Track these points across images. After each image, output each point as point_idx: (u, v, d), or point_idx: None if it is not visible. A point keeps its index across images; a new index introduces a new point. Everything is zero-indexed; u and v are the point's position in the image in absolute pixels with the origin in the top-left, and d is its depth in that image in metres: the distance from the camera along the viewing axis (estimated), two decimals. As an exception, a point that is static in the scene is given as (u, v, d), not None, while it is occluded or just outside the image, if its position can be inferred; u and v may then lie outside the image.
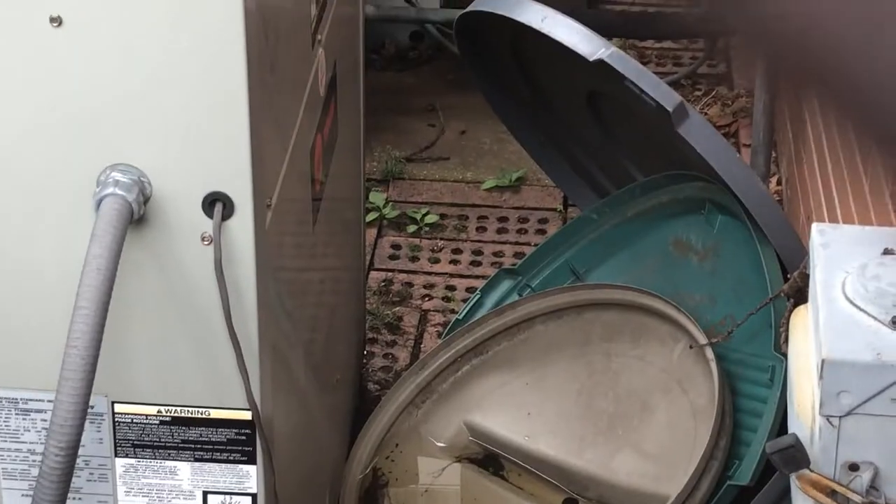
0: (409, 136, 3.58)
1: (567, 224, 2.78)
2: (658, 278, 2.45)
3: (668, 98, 2.23)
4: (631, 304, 2.43)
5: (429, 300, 3.06)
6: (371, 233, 3.20)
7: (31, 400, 1.66)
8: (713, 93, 3.73)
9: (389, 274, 3.13)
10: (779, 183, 3.32)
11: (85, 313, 1.45)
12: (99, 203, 1.52)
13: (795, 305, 1.71)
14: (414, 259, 3.19)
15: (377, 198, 3.31)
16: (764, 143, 3.03)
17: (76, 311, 1.46)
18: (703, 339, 2.25)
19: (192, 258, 1.58)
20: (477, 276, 3.10)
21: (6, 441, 1.68)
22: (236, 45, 1.49)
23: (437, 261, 3.18)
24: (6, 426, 1.67)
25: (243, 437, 1.67)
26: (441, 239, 3.25)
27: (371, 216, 3.23)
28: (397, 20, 3.81)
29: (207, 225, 1.56)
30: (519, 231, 3.27)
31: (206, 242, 1.57)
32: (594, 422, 2.37)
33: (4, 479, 1.70)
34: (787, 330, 1.69)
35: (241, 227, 1.57)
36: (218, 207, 1.55)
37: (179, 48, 1.49)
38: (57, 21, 1.47)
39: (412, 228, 3.26)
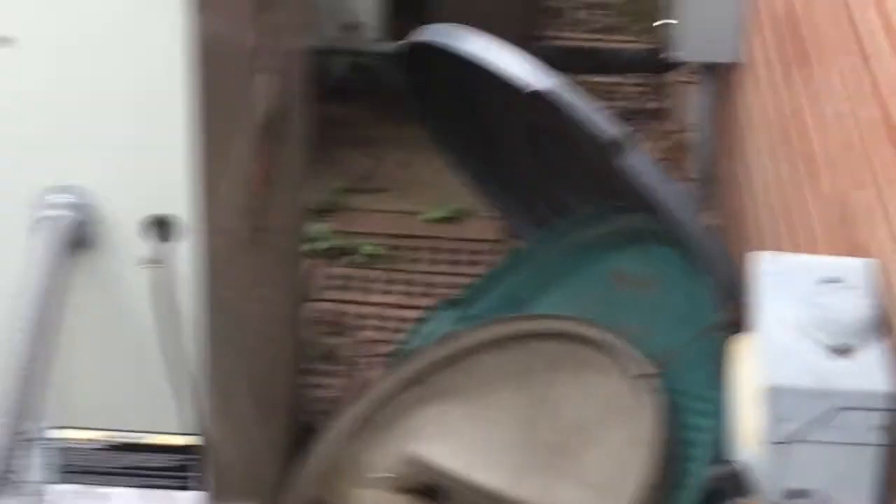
0: (348, 168, 3.58)
1: (508, 255, 2.79)
2: (599, 309, 2.46)
3: (607, 130, 2.25)
4: (572, 335, 2.43)
5: (368, 331, 3.05)
6: (310, 263, 3.20)
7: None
8: (651, 126, 3.76)
9: (328, 304, 3.12)
10: (717, 216, 3.35)
11: (25, 337, 1.43)
12: (38, 225, 1.50)
13: (734, 334, 1.72)
14: (353, 289, 3.18)
15: (315, 228, 3.30)
16: (703, 176, 3.06)
17: (16, 335, 1.44)
18: (643, 370, 2.26)
19: (133, 282, 1.57)
20: (418, 307, 3.09)
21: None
22: (179, 71, 1.49)
23: (376, 291, 3.18)
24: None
25: (180, 464, 1.65)
26: (381, 270, 3.25)
27: (309, 246, 3.22)
28: (336, 52, 3.81)
29: (148, 248, 1.55)
30: (459, 262, 3.28)
31: (147, 266, 1.56)
32: (536, 452, 2.37)
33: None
34: (727, 359, 1.71)
35: (183, 251, 1.56)
36: (159, 231, 1.54)
37: (124, 72, 1.49)
38: (4, 41, 1.46)
39: (351, 259, 3.26)
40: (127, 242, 1.56)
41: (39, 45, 1.49)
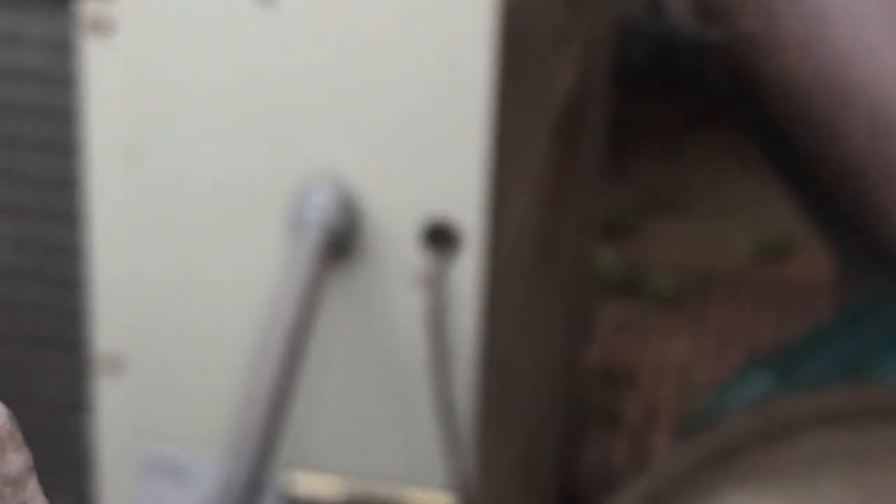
0: (645, 182, 3.60)
1: (845, 306, 2.75)
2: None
3: None
4: (926, 415, 2.39)
5: (659, 388, 3.06)
6: (593, 299, 3.22)
7: (188, 462, 1.69)
8: None
9: (611, 351, 3.13)
10: None
11: (271, 363, 1.47)
12: (297, 226, 1.55)
13: None
14: (643, 335, 3.19)
15: (600, 254, 3.32)
16: None
17: (262, 358, 1.49)
18: None
19: (401, 302, 1.60)
20: (722, 363, 3.09)
21: (151, 510, 1.72)
22: (478, 46, 1.51)
23: (671, 338, 3.18)
24: (150, 488, 1.71)
25: (440, 533, 1.68)
26: (679, 311, 3.25)
27: (594, 278, 3.25)
28: (638, 34, 3.83)
29: (424, 263, 1.58)
30: (780, 309, 3.26)
31: (420, 284, 1.59)
32: (870, 559, 2.33)
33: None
34: None
35: (466, 268, 1.59)
36: (438, 242, 1.57)
37: (409, 44, 1.52)
38: (264, 2, 1.51)
39: (643, 296, 3.27)
40: (398, 254, 1.59)
41: (304, 7, 1.53)
